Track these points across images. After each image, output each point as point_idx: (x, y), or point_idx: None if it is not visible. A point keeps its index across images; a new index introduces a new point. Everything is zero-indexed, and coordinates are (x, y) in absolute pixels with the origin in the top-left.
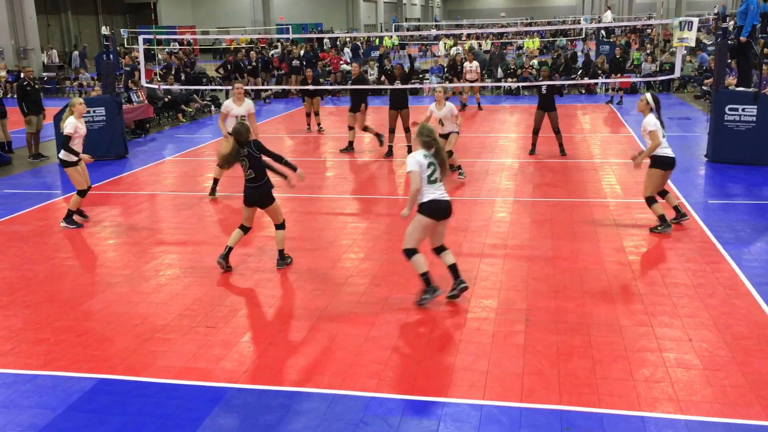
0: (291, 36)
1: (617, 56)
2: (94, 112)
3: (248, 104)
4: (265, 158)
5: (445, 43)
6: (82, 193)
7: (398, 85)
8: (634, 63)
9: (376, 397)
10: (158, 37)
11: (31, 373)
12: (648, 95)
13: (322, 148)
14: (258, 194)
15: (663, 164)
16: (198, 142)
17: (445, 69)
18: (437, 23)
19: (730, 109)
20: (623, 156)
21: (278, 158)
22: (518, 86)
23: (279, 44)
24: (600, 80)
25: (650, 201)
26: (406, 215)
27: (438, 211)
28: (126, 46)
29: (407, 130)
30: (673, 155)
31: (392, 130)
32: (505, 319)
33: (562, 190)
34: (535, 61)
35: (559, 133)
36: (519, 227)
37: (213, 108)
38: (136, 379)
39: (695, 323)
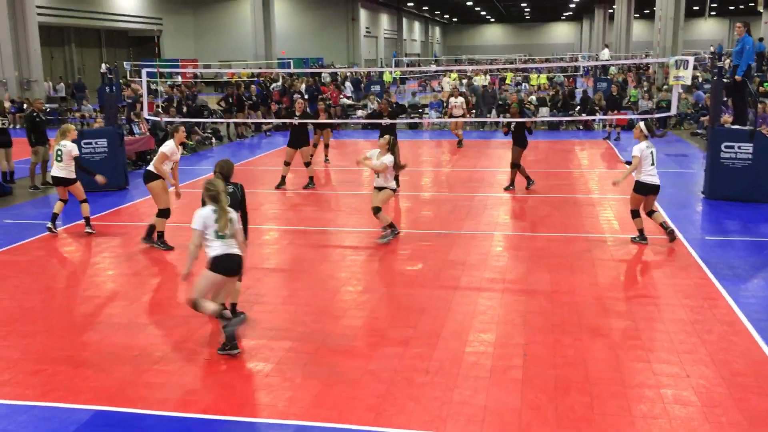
0: (293, 70)
1: (614, 93)
2: (96, 143)
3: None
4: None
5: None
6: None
7: (386, 120)
8: (631, 100)
9: (374, 431)
10: (161, 70)
11: (28, 404)
12: (642, 124)
13: (331, 180)
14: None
15: (643, 189)
16: (198, 173)
17: (444, 104)
18: (437, 58)
19: (726, 147)
20: (621, 192)
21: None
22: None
23: (280, 78)
24: (597, 117)
25: (633, 214)
26: (185, 275)
27: (228, 267)
28: (129, 78)
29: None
30: (655, 183)
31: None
32: (503, 353)
33: (560, 225)
34: (533, 97)
35: (516, 167)
36: (517, 261)
37: (214, 140)
38: (134, 411)
39: (693, 359)
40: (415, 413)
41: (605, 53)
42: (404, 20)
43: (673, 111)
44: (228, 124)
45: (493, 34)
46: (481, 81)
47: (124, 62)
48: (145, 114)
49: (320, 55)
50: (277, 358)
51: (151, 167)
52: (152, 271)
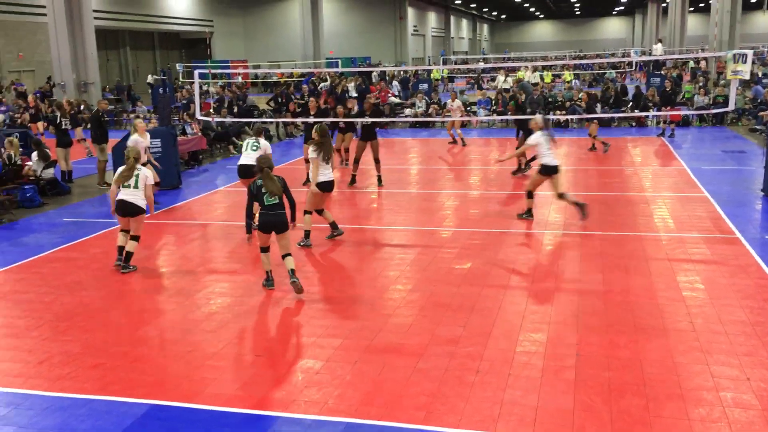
0: (340, 69)
1: (667, 89)
2: (150, 143)
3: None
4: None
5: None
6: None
7: (368, 118)
8: (686, 96)
9: (424, 430)
10: (212, 71)
11: (86, 398)
12: (538, 117)
13: (367, 181)
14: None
15: (545, 170)
16: None
17: (492, 102)
18: (485, 56)
19: None
20: (675, 189)
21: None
22: (566, 119)
23: (327, 77)
24: (651, 113)
25: (529, 194)
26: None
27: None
28: (181, 80)
29: (377, 160)
30: (554, 164)
31: (357, 160)
32: (555, 354)
33: (613, 224)
34: (583, 93)
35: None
36: (568, 261)
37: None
38: (188, 406)
39: (753, 362)
40: (465, 413)
41: (658, 48)
42: (452, 18)
43: (731, 106)
44: (277, 123)
45: (543, 30)
46: (530, 77)
47: (177, 64)
48: (198, 115)
49: (368, 54)
50: (327, 355)
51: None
52: (206, 269)
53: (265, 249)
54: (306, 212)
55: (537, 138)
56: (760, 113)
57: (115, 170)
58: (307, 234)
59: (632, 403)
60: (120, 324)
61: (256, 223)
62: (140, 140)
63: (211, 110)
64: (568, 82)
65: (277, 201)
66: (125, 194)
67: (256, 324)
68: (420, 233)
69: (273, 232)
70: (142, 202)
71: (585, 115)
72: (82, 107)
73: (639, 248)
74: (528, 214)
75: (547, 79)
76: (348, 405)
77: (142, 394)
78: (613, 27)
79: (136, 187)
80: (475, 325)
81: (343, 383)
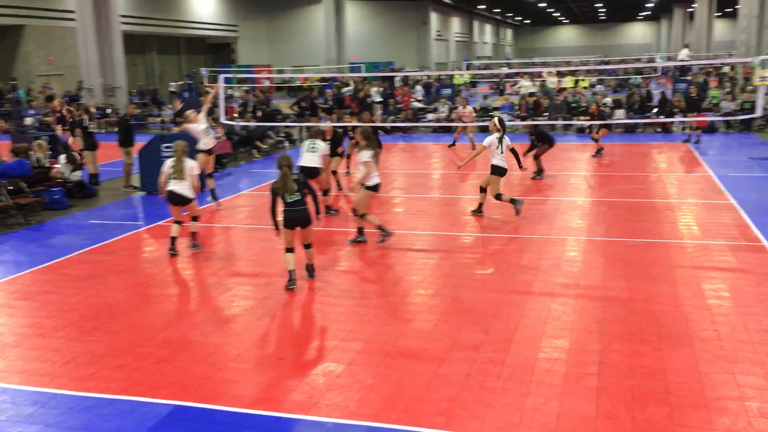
0: (364, 74)
1: (692, 94)
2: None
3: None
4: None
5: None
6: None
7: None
8: (712, 102)
9: None
10: (237, 75)
11: (110, 398)
12: (496, 119)
13: (390, 185)
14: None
15: (496, 171)
16: (272, 176)
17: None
18: (509, 61)
19: None
20: (701, 196)
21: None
22: (590, 125)
23: (352, 82)
24: (676, 119)
25: (498, 197)
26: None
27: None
28: (206, 84)
29: None
30: (504, 166)
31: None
32: (578, 361)
33: (637, 231)
34: (608, 99)
35: (536, 158)
36: (591, 267)
37: (287, 143)
38: (211, 407)
39: None
40: (487, 418)
41: (684, 53)
42: (475, 23)
43: (759, 113)
44: (301, 127)
45: (567, 35)
46: (552, 83)
47: (201, 69)
48: (222, 119)
49: (391, 59)
50: (349, 359)
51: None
52: (230, 271)
53: (289, 249)
54: (361, 216)
55: (491, 139)
56: None
57: (141, 173)
58: (380, 227)
59: (656, 412)
60: (144, 325)
61: (280, 221)
62: (196, 127)
63: (236, 114)
64: (585, 88)
65: (298, 197)
66: (174, 185)
67: (279, 327)
68: (442, 238)
69: (298, 228)
70: (190, 193)
71: (608, 121)
72: (108, 111)
73: (664, 255)
74: (516, 201)
75: (570, 84)
76: (369, 409)
77: (166, 395)
78: (638, 32)
79: (183, 178)
80: (496, 330)
81: (364, 387)
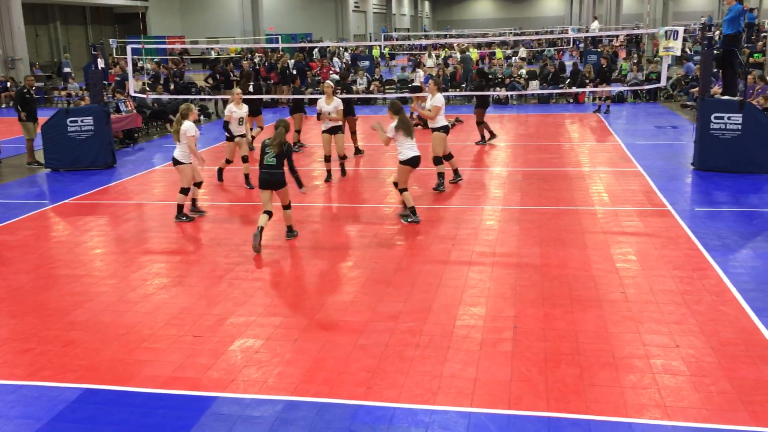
0: (281, 45)
1: (603, 66)
2: (81, 121)
3: (245, 108)
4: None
5: (437, 54)
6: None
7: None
8: (622, 73)
9: (364, 405)
10: (146, 46)
11: (16, 384)
12: (431, 81)
13: (313, 157)
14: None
15: (445, 129)
16: None
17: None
18: (426, 33)
19: (716, 118)
20: (611, 164)
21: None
22: (507, 95)
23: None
24: (587, 89)
25: (446, 157)
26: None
27: None
28: (115, 56)
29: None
30: (448, 124)
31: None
32: (494, 327)
33: (550, 199)
34: (523, 71)
35: (481, 124)
36: (507, 235)
37: (202, 117)
38: (122, 389)
39: (682, 330)
40: (405, 387)
41: (595, 26)
42: None
43: (663, 82)
44: (216, 101)
45: (483, 8)
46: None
47: (110, 39)
48: (131, 92)
49: (309, 31)
50: (267, 334)
51: (176, 154)
52: (141, 249)
53: (267, 211)
54: (402, 190)
55: (442, 99)
56: (691, 90)
57: (45, 149)
58: (413, 210)
59: (567, 373)
60: (51, 307)
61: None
62: (235, 110)
63: (146, 87)
64: (499, 59)
65: (275, 162)
66: (177, 151)
67: (194, 304)
68: (362, 210)
69: (273, 190)
70: (181, 157)
71: (524, 92)
72: (8, 84)
73: (575, 222)
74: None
75: (499, 56)
76: (288, 383)
77: (74, 379)
78: (551, 5)
79: (178, 140)
80: (415, 300)
81: (283, 361)
